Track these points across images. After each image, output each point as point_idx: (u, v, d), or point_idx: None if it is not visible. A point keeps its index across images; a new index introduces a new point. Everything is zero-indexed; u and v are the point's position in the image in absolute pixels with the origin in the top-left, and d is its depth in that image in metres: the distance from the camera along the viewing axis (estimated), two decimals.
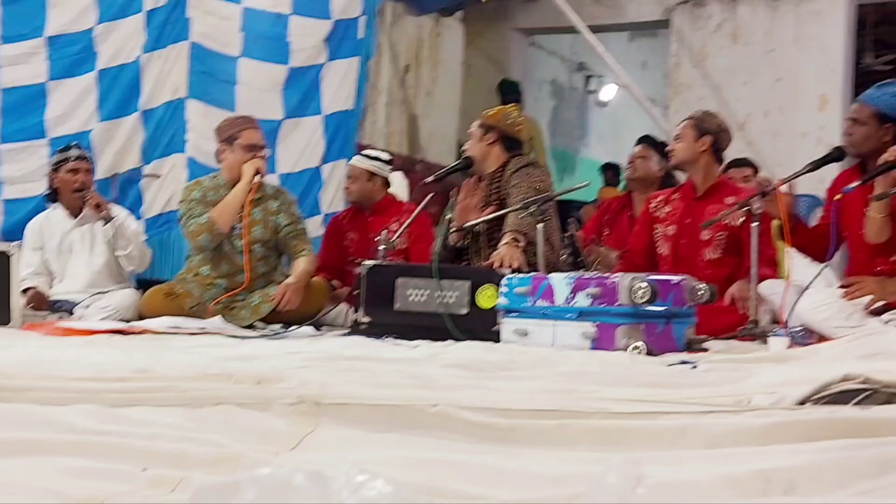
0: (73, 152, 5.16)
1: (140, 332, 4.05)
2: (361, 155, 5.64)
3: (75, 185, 5.09)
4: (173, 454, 1.48)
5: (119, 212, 5.28)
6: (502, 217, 4.40)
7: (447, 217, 4.27)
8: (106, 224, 5.04)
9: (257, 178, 4.76)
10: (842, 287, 3.76)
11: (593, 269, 4.11)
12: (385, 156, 5.65)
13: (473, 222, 4.46)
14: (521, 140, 4.84)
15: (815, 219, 4.87)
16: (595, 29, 9.05)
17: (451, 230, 4.39)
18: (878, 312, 3.57)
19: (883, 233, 3.76)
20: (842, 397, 1.78)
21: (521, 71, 10.71)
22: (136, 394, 1.95)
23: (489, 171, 4.70)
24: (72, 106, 5.89)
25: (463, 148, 4.86)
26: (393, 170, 5.76)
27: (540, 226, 4.09)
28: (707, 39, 9.32)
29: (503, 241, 4.20)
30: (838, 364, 2.39)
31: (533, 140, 9.49)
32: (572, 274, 3.64)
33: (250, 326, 4.62)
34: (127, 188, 6.00)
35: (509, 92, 9.53)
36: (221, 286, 4.80)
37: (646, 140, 5.70)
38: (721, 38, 9.27)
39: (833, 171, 4.44)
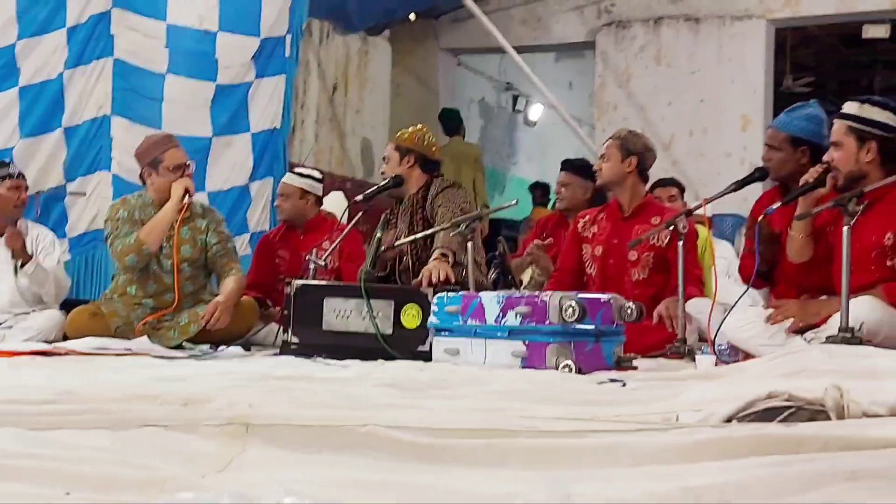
0: (14, 169, 5.13)
1: (65, 354, 3.96)
2: (293, 173, 5.62)
3: (17, 203, 5.06)
4: (99, 478, 1.45)
5: (43, 234, 5.18)
6: (430, 238, 4.41)
7: (377, 236, 4.26)
8: (24, 266, 4.93)
9: (186, 199, 4.68)
10: (767, 306, 3.82)
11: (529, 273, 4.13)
12: (317, 174, 5.63)
13: (404, 241, 4.46)
14: (438, 160, 4.87)
15: (738, 239, 4.97)
16: (522, 50, 9.16)
17: (381, 250, 4.38)
18: (800, 331, 3.64)
19: (805, 252, 3.84)
20: (767, 415, 1.81)
21: (449, 90, 10.78)
22: (61, 416, 1.91)
23: (411, 192, 4.73)
24: None
25: (381, 172, 4.87)
26: (329, 189, 5.76)
27: (469, 244, 4.10)
28: (631, 61, 9.48)
29: (432, 258, 4.21)
30: (763, 382, 2.43)
31: (475, 166, 9.65)
32: (502, 293, 3.65)
33: (178, 347, 4.54)
34: (51, 206, 5.88)
35: (450, 120, 9.69)
36: (149, 306, 4.72)
37: (567, 167, 5.74)
38: (645, 59, 9.44)
39: (756, 190, 4.54)
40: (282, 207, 5.50)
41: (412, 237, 4.47)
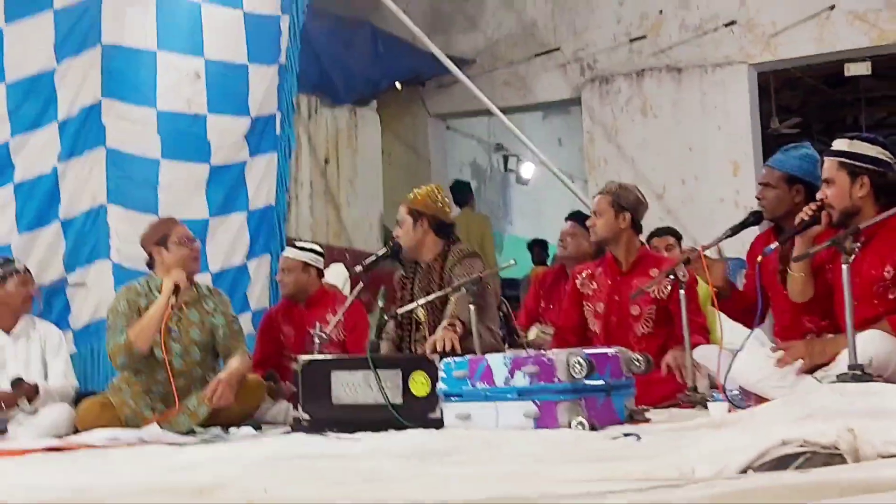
0: (20, 265, 5.13)
1: (76, 448, 3.93)
2: (294, 247, 5.62)
3: (26, 297, 5.07)
4: None
5: (51, 332, 5.17)
6: (443, 305, 4.41)
7: (380, 305, 4.27)
8: (32, 403, 4.87)
9: (173, 300, 4.65)
10: (774, 350, 3.81)
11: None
12: (317, 247, 5.64)
13: (407, 308, 4.46)
14: (453, 223, 4.87)
15: (740, 281, 4.97)
16: (508, 110, 9.24)
17: (385, 319, 4.39)
18: (810, 370, 3.63)
19: (806, 292, 3.85)
20: (783, 462, 1.81)
21: (440, 155, 10.86)
22: None
23: (426, 259, 4.72)
24: None
25: (395, 235, 4.84)
26: (329, 261, 5.76)
27: (471, 307, 4.10)
28: (617, 114, 9.57)
29: (441, 327, 4.21)
30: (776, 427, 2.42)
31: (484, 237, 9.85)
32: (509, 353, 3.65)
33: (189, 432, 4.51)
34: (53, 299, 5.87)
35: (461, 192, 10.00)
36: (158, 393, 4.70)
37: (575, 217, 5.77)
38: (631, 112, 9.53)
39: (753, 233, 4.55)
40: (284, 282, 5.47)
41: (413, 305, 4.47)
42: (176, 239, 4.80)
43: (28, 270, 5.19)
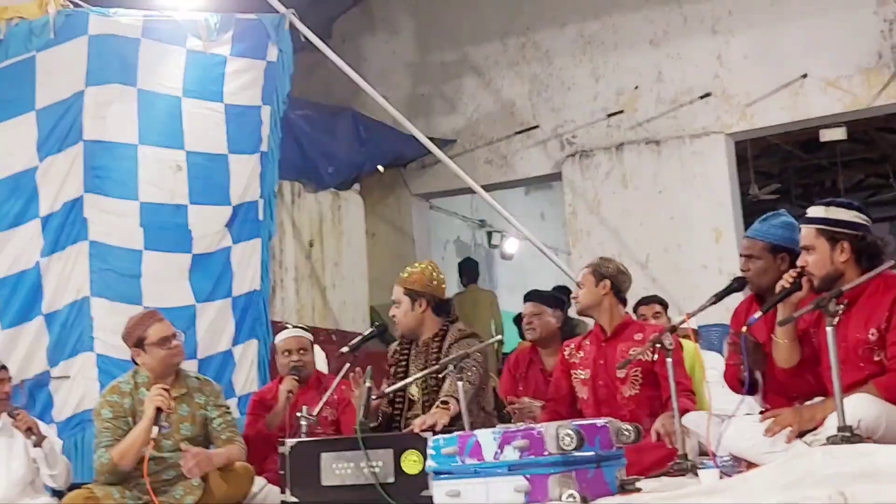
0: None
1: None
2: (299, 328, 5.61)
3: (1, 397, 5.01)
4: None
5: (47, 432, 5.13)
6: (438, 385, 4.37)
7: (367, 385, 4.24)
8: (36, 446, 4.87)
9: (155, 431, 4.50)
10: (762, 418, 3.80)
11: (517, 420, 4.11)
12: None
13: (398, 385, 4.44)
14: (450, 300, 4.86)
15: (725, 348, 4.98)
16: (490, 188, 9.34)
17: (372, 398, 4.35)
18: (800, 435, 3.61)
19: (793, 357, 3.85)
20: None
21: (424, 233, 10.94)
22: None
23: (424, 337, 4.68)
24: None
25: (392, 315, 4.76)
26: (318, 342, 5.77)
27: (460, 384, 4.09)
28: (599, 187, 9.68)
29: (434, 406, 4.19)
30: (768, 492, 2.41)
31: (493, 313, 10.24)
32: (498, 428, 3.62)
33: None
34: (36, 393, 5.83)
35: (470, 269, 10.65)
36: (143, 485, 4.62)
37: (532, 297, 5.82)
38: (611, 184, 9.64)
39: (738, 299, 4.57)
40: (304, 361, 5.38)
41: (403, 382, 4.45)
42: (152, 341, 4.72)
43: (4, 367, 5.13)
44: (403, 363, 4.72)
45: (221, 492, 4.57)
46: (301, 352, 5.41)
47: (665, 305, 6.08)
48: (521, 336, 11.00)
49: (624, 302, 4.95)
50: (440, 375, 4.43)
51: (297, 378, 5.21)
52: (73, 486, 4.94)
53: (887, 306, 3.63)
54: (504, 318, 11.85)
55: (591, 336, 4.90)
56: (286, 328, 5.70)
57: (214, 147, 6.54)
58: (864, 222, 3.79)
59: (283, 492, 4.06)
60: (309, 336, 5.54)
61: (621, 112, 9.69)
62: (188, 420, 4.75)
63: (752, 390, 4.00)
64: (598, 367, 4.75)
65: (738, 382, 4.03)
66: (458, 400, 4.13)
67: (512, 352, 9.68)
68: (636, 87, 9.67)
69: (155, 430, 4.48)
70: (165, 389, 4.58)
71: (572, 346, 4.94)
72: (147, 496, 4.55)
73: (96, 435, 4.71)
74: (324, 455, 3.97)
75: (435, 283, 4.75)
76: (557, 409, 4.79)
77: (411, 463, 3.80)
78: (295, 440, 4.11)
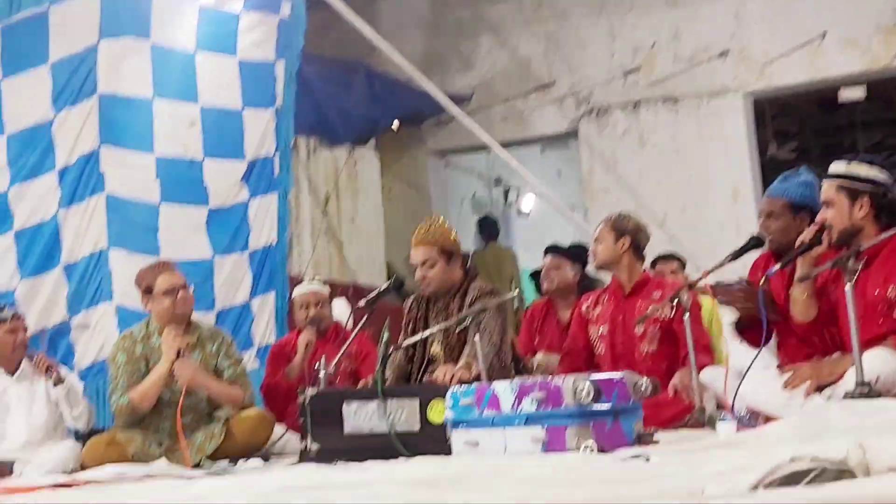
0: (8, 312, 5.08)
1: (84, 484, 3.92)
2: (316, 282, 5.62)
3: (16, 345, 5.03)
4: None
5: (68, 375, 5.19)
6: (460, 344, 4.39)
7: (385, 338, 4.25)
8: (56, 385, 4.92)
9: (181, 377, 4.61)
10: (781, 372, 3.80)
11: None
12: None
13: (416, 338, 4.46)
14: (468, 255, 4.83)
15: None
16: (507, 145, 9.29)
17: (389, 352, 4.37)
18: (818, 389, 3.62)
19: (809, 312, 3.85)
20: (792, 478, 1.80)
21: (440, 191, 10.91)
22: None
23: (447, 289, 4.60)
24: None
25: (423, 276, 4.57)
26: (333, 298, 5.79)
27: (476, 337, 4.11)
28: (616, 145, 9.62)
29: (458, 365, 4.21)
30: (786, 445, 2.41)
31: (513, 265, 10.30)
32: (515, 381, 3.64)
33: (197, 465, 4.50)
34: (57, 342, 5.91)
35: (490, 227, 10.67)
36: (164, 429, 4.70)
37: (553, 250, 5.81)
38: (628, 142, 9.58)
39: (755, 256, 4.56)
40: (322, 315, 5.42)
41: (418, 336, 4.46)
42: (159, 290, 4.77)
43: (18, 317, 5.14)
44: (423, 320, 4.68)
45: (241, 437, 4.65)
46: (319, 305, 5.47)
47: (682, 263, 6.07)
48: (539, 292, 11.07)
49: (642, 259, 4.92)
50: (460, 332, 4.41)
51: (315, 329, 5.26)
52: (94, 432, 5.01)
53: None
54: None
55: (610, 291, 4.88)
56: (302, 282, 5.73)
57: (229, 102, 6.55)
58: (886, 179, 3.77)
59: (303, 439, 4.10)
60: (326, 289, 5.59)
61: (638, 70, 9.61)
62: (200, 367, 4.80)
63: (766, 339, 3.99)
64: (617, 323, 4.74)
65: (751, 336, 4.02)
66: (478, 360, 4.13)
67: (527, 309, 9.74)
68: (653, 45, 9.58)
69: (180, 377, 4.57)
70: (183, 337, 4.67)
71: (590, 300, 4.92)
72: (168, 441, 4.62)
73: (111, 380, 4.78)
74: (347, 404, 4.01)
75: (456, 238, 4.72)
76: (574, 362, 4.79)
77: (437, 412, 3.83)
78: (316, 389, 4.15)
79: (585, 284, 5.56)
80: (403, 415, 3.89)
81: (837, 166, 3.82)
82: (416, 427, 3.87)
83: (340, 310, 6.20)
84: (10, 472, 4.57)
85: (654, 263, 6.02)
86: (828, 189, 3.79)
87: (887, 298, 3.64)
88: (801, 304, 3.85)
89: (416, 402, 3.90)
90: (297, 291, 5.59)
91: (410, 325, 4.70)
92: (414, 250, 4.60)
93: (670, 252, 6.29)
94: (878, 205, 3.71)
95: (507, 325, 4.58)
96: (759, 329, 4.07)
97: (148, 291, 4.81)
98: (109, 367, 4.84)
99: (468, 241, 12.34)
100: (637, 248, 4.82)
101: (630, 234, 4.78)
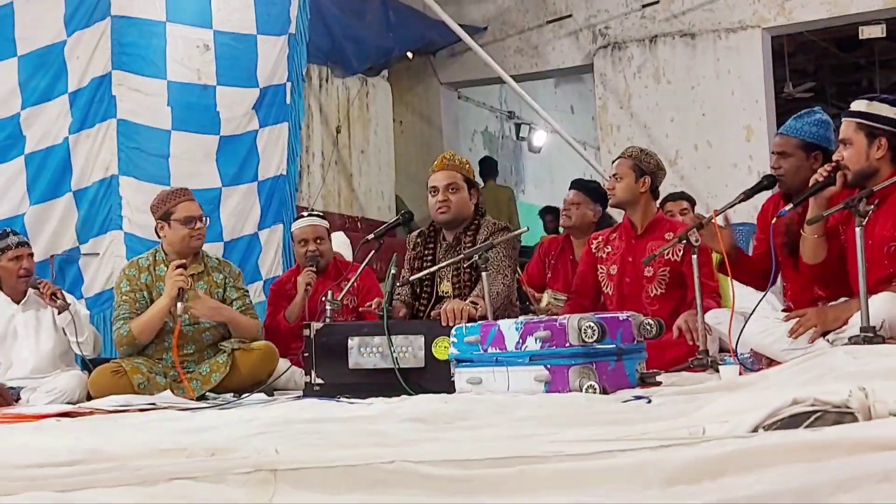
0: (13, 239, 4.95)
1: (89, 413, 3.96)
2: (314, 215, 5.50)
3: (20, 273, 4.93)
4: None
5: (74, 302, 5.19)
6: (472, 277, 4.37)
7: (392, 272, 4.24)
8: (61, 313, 4.89)
9: (180, 307, 4.59)
10: (786, 317, 3.79)
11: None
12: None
13: (421, 274, 4.44)
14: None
15: (751, 246, 4.95)
16: (520, 78, 9.21)
17: (397, 285, 4.37)
18: (822, 333, 3.62)
19: (819, 253, 3.82)
20: (793, 421, 1.80)
21: (452, 124, 10.85)
22: (88, 476, 1.91)
23: (457, 229, 4.53)
24: (2, 191, 5.82)
25: (443, 202, 4.45)
26: (339, 229, 5.74)
27: (484, 274, 4.09)
28: (630, 81, 9.52)
29: (468, 300, 4.17)
30: (788, 388, 2.41)
31: (510, 205, 10.46)
32: (520, 319, 3.64)
33: (202, 397, 4.55)
34: (65, 268, 5.93)
35: (489, 165, 10.85)
36: (169, 360, 4.72)
37: (578, 186, 5.75)
38: (643, 78, 9.48)
39: (765, 198, 4.53)
40: (321, 251, 5.28)
41: (426, 271, 4.43)
42: (179, 217, 4.76)
43: (24, 244, 5.01)
44: (430, 256, 4.58)
45: (246, 369, 4.68)
46: (318, 241, 5.29)
47: (693, 202, 6.02)
48: (545, 229, 11.06)
49: (657, 198, 4.87)
50: (470, 270, 4.38)
51: (314, 270, 5.16)
52: (100, 361, 5.04)
53: None
54: (528, 211, 11.87)
55: (621, 231, 4.82)
56: (303, 216, 5.66)
57: (242, 27, 6.48)
58: None
59: (307, 374, 4.12)
60: (325, 224, 5.43)
61: (656, 3, 9.47)
62: (215, 301, 4.81)
63: (773, 279, 3.98)
64: (627, 263, 4.69)
65: (762, 278, 4.01)
66: (485, 297, 4.10)
67: (536, 245, 9.76)
68: None
69: (180, 306, 4.57)
70: (182, 266, 4.65)
71: (600, 238, 4.86)
72: (173, 371, 4.65)
73: (115, 308, 4.81)
74: (352, 339, 4.01)
75: (468, 166, 4.68)
76: (581, 301, 4.78)
77: (442, 349, 3.84)
78: (321, 323, 4.15)
79: (605, 225, 5.51)
80: (408, 351, 3.90)
81: (858, 104, 3.76)
82: (422, 363, 3.88)
83: (339, 242, 6.16)
84: (18, 400, 4.60)
85: (663, 202, 5.98)
86: (846, 127, 3.73)
87: (895, 239, 3.62)
88: (811, 246, 3.81)
89: (420, 339, 3.90)
90: (296, 226, 5.43)
91: (417, 262, 4.62)
92: (438, 174, 4.49)
93: (680, 191, 6.23)
94: None
95: (516, 262, 4.56)
96: (744, 264, 4.06)
97: (164, 217, 4.79)
98: (115, 294, 4.86)
99: (478, 175, 12.32)
100: (654, 188, 4.77)
101: (651, 174, 4.70)
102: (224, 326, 4.87)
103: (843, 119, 3.79)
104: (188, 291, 4.64)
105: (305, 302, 5.08)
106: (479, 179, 10.67)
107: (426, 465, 1.70)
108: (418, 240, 4.68)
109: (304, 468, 1.78)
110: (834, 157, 3.76)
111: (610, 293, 4.73)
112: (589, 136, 12.16)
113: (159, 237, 4.88)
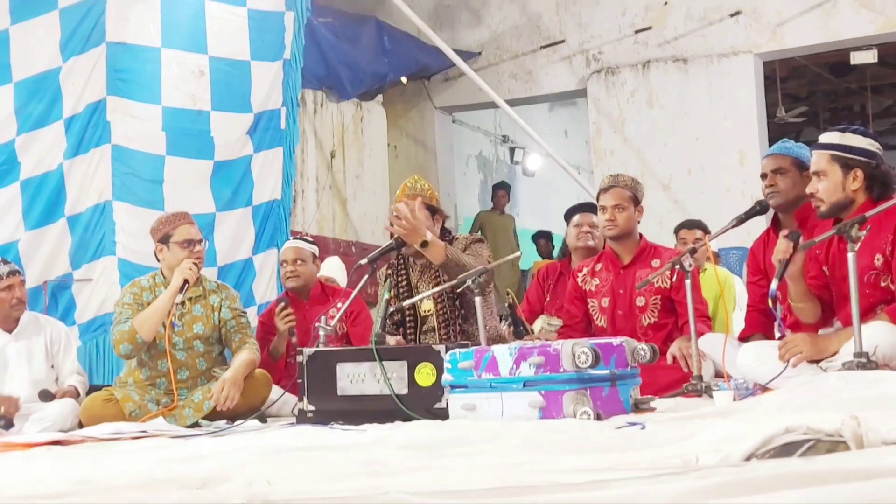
0: (3, 268, 4.92)
1: (81, 441, 3.94)
2: (301, 239, 5.55)
3: (13, 302, 4.92)
4: None
5: (57, 329, 5.13)
6: (458, 299, 4.38)
7: (385, 297, 4.24)
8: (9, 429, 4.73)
9: (180, 297, 4.63)
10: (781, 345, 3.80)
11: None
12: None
13: (414, 300, 4.44)
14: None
15: (743, 272, 4.97)
16: (515, 102, 9.25)
17: (390, 311, 4.36)
18: (815, 360, 3.62)
19: (815, 314, 3.83)
20: (786, 449, 1.80)
21: (447, 147, 10.88)
22: None
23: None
24: None
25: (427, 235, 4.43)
26: (333, 254, 5.74)
27: (478, 299, 4.09)
28: (623, 105, 9.57)
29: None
30: (781, 415, 2.42)
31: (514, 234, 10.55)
32: (515, 344, 3.64)
33: (194, 425, 4.52)
34: (59, 294, 5.91)
35: (502, 189, 11.20)
36: (162, 386, 4.71)
37: (592, 209, 5.66)
38: (637, 103, 9.53)
39: (757, 221, 4.54)
40: (299, 272, 5.32)
41: (421, 296, 4.44)
42: (178, 240, 4.76)
43: (15, 272, 4.97)
44: (405, 282, 4.63)
45: (240, 397, 4.64)
46: (297, 262, 5.33)
47: (706, 231, 5.95)
48: (539, 253, 11.06)
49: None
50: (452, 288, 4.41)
51: (285, 304, 5.14)
52: (92, 389, 5.01)
53: (891, 231, 3.62)
54: (523, 235, 11.89)
55: (605, 261, 4.78)
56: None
57: (237, 53, 6.50)
58: (878, 150, 3.75)
59: (300, 400, 4.10)
60: (311, 248, 5.44)
61: (649, 28, 9.53)
62: (201, 320, 4.81)
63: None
64: (618, 296, 4.66)
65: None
66: (479, 322, 4.10)
67: (528, 269, 9.77)
68: (665, 3, 9.50)
69: (179, 297, 4.58)
70: (195, 264, 4.68)
71: (584, 271, 4.81)
72: (165, 398, 4.63)
73: (115, 318, 4.75)
74: (340, 365, 4.00)
75: (435, 195, 4.70)
76: (572, 335, 4.73)
77: (425, 375, 3.82)
78: (312, 349, 4.14)
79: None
80: (392, 377, 3.89)
81: (830, 136, 3.79)
82: (405, 390, 3.86)
83: (334, 267, 6.16)
84: (11, 426, 4.57)
85: (677, 230, 5.96)
86: (819, 159, 3.75)
87: (875, 267, 3.65)
88: (805, 313, 3.82)
89: (404, 365, 3.89)
90: (282, 248, 5.52)
91: (394, 290, 4.61)
92: (406, 203, 4.48)
93: (696, 220, 6.19)
94: (871, 176, 3.69)
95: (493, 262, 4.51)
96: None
97: (163, 240, 4.79)
98: (115, 309, 4.81)
99: (473, 198, 12.35)
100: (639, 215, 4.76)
101: (640, 201, 4.70)
102: (218, 351, 4.87)
103: (813, 151, 3.81)
104: (190, 287, 4.67)
105: (286, 340, 5.13)
106: (480, 202, 10.77)
107: (419, 497, 1.69)
108: (389, 271, 4.71)
109: (297, 502, 1.77)
110: (808, 189, 3.78)
111: (603, 326, 4.70)
112: (583, 160, 12.18)
113: (158, 260, 4.88)
